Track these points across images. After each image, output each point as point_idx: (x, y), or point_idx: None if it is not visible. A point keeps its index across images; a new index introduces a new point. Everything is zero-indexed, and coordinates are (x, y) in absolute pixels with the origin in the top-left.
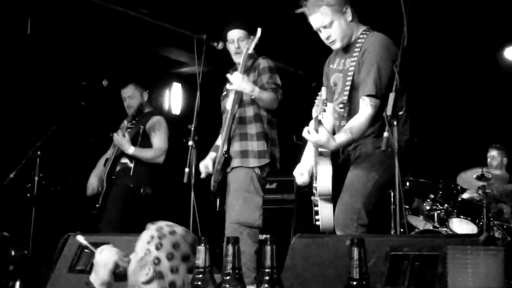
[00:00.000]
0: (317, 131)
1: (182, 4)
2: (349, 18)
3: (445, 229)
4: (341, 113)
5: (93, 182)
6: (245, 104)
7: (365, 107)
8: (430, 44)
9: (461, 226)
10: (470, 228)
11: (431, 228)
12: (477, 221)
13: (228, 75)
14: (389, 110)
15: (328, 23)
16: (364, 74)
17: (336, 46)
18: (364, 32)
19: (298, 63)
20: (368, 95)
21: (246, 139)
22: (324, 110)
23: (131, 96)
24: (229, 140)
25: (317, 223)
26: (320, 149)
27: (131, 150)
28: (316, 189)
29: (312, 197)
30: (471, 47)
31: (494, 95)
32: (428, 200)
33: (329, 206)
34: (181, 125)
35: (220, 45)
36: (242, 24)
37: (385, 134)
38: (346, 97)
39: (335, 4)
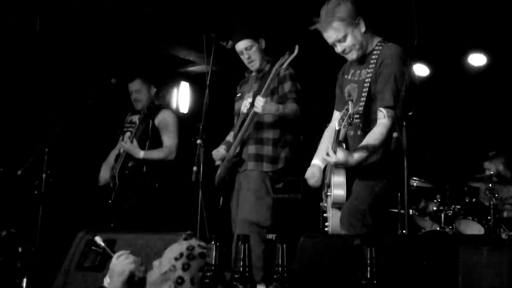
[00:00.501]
0: (335, 151)
1: (191, 3)
2: (363, 29)
3: (452, 230)
4: (356, 123)
5: (105, 173)
6: None
7: (383, 119)
8: (441, 46)
9: (468, 227)
10: (477, 229)
11: (438, 229)
12: (484, 222)
13: (255, 100)
14: (399, 111)
15: (342, 37)
16: (381, 86)
17: (353, 57)
18: (379, 43)
19: (304, 62)
20: (386, 107)
21: (262, 143)
22: (350, 124)
23: (138, 90)
24: (243, 143)
25: (326, 229)
26: None
27: (141, 155)
28: (328, 197)
29: (321, 204)
30: (487, 48)
31: (504, 97)
32: (435, 200)
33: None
34: (189, 124)
35: (229, 44)
36: (245, 33)
37: (394, 134)
38: (362, 108)
39: (347, 18)
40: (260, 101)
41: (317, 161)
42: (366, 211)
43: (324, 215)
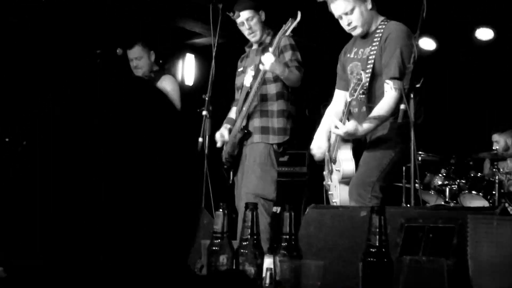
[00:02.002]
0: (344, 123)
1: None
2: (369, 6)
3: (457, 204)
4: (361, 100)
5: None
6: (267, 82)
7: (390, 90)
8: (449, 20)
9: (472, 201)
10: (482, 203)
11: (443, 203)
12: (488, 197)
13: (262, 57)
14: (406, 83)
15: (350, 10)
16: (387, 59)
17: (357, 32)
18: (383, 22)
19: (311, 35)
20: (392, 78)
21: (267, 116)
22: (363, 93)
23: (139, 57)
24: (248, 116)
25: None
26: None
27: None
28: (334, 173)
29: (325, 183)
30: (494, 26)
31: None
32: (440, 175)
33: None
34: (194, 96)
35: (236, 15)
36: (247, 4)
37: (402, 106)
38: (366, 84)
39: None
40: (270, 58)
41: (320, 134)
42: (375, 183)
43: (329, 193)
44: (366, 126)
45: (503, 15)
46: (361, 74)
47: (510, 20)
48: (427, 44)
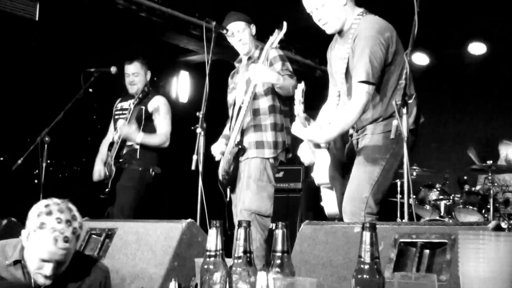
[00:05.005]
0: (305, 126)
1: None
2: (343, 1)
3: (452, 219)
4: (342, 100)
5: (99, 168)
6: (258, 96)
7: (357, 94)
8: (442, 35)
9: (467, 216)
10: (477, 218)
11: (438, 218)
12: (483, 211)
13: (249, 71)
14: (398, 99)
15: (320, 5)
16: (355, 61)
17: (328, 28)
18: (357, 16)
19: (304, 51)
20: (359, 81)
21: (260, 130)
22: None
23: (136, 73)
24: (242, 132)
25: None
26: None
27: (139, 139)
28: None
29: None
30: (489, 40)
31: (506, 89)
32: (435, 190)
33: (331, 193)
34: (189, 113)
35: (229, 33)
36: (238, 16)
37: (394, 122)
38: (342, 84)
39: None
40: (260, 68)
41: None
42: (368, 197)
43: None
44: (328, 133)
45: (496, 30)
46: (298, 86)
47: (502, 35)
48: (421, 59)
